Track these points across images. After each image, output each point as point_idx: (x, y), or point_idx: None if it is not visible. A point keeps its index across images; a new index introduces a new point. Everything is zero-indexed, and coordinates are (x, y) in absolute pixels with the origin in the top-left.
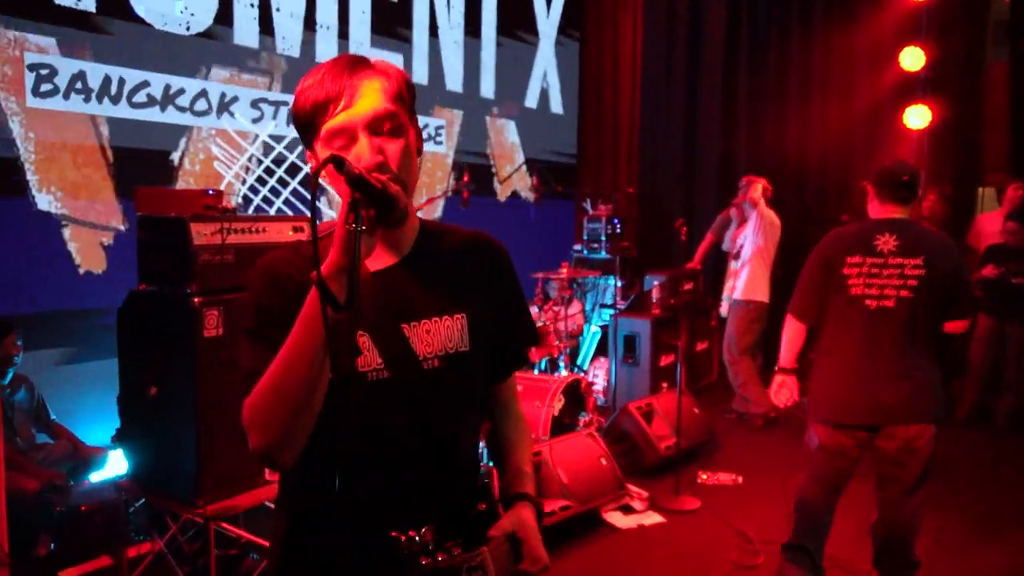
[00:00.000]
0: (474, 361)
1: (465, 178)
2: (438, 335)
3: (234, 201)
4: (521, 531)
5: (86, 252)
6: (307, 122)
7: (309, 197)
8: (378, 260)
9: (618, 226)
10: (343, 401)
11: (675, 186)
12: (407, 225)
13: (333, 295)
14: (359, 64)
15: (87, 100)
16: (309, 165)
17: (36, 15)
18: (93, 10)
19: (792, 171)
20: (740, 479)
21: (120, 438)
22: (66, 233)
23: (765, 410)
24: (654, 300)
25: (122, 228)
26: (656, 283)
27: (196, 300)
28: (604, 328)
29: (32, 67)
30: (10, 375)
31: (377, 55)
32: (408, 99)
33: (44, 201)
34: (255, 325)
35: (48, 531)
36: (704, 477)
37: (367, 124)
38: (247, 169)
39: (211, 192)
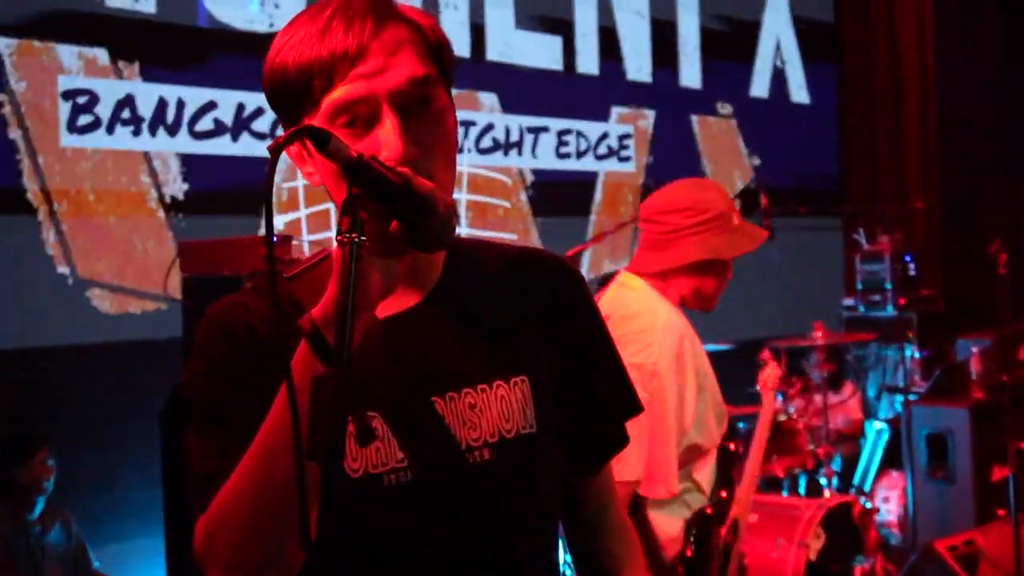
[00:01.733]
0: (543, 446)
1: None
2: (488, 412)
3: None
4: None
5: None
6: (294, 90)
7: (278, 199)
8: (389, 301)
9: (912, 266)
10: (332, 509)
11: (997, 198)
12: None
13: (329, 349)
14: (382, 4)
15: (136, 133)
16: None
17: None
18: (154, 12)
19: None
20: None
21: None
22: (105, 305)
23: None
24: (974, 377)
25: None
26: (975, 350)
27: None
28: (895, 424)
29: (68, 95)
30: (40, 506)
31: (527, 38)
32: (447, 61)
33: (73, 268)
34: (208, 405)
35: None
36: None
37: (398, 97)
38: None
39: (273, 240)
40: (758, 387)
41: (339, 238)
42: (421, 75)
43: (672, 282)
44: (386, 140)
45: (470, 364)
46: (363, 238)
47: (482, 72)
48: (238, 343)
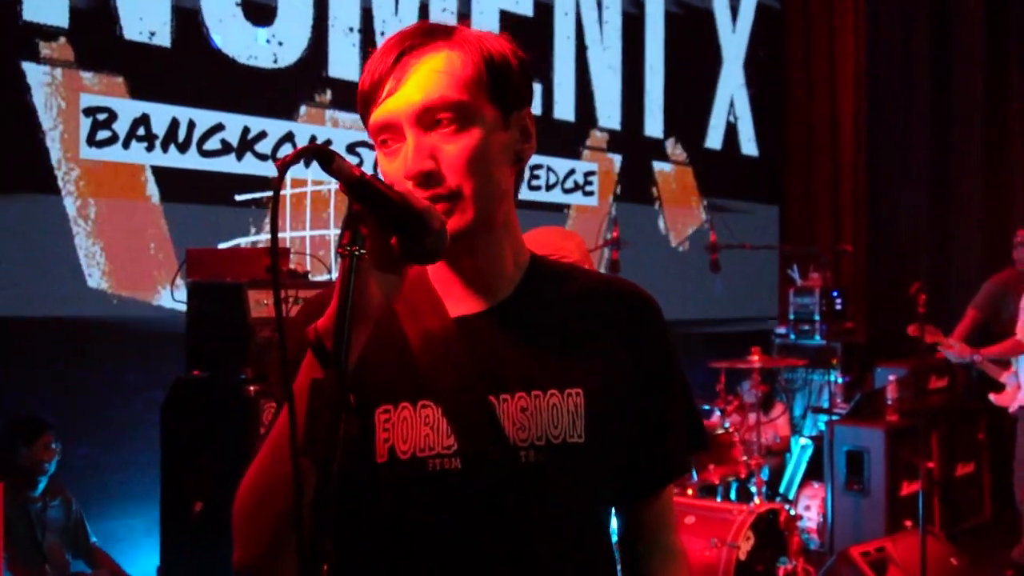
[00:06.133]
0: (591, 459)
1: (615, 234)
2: (538, 416)
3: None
4: None
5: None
6: (363, 118)
7: (280, 211)
8: (461, 303)
9: (838, 301)
10: (331, 500)
11: (919, 242)
12: (501, 256)
13: (328, 356)
14: (423, 35)
15: (150, 149)
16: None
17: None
18: (168, 45)
19: None
20: None
21: (164, 569)
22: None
23: None
24: (890, 402)
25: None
26: (893, 378)
27: (251, 388)
28: (818, 440)
29: (89, 111)
30: (42, 485)
31: None
32: (491, 82)
33: (95, 278)
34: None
35: None
36: None
37: (415, 117)
38: None
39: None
40: None
41: (339, 251)
42: (437, 99)
43: None
44: (404, 156)
45: (528, 370)
46: (363, 251)
47: None
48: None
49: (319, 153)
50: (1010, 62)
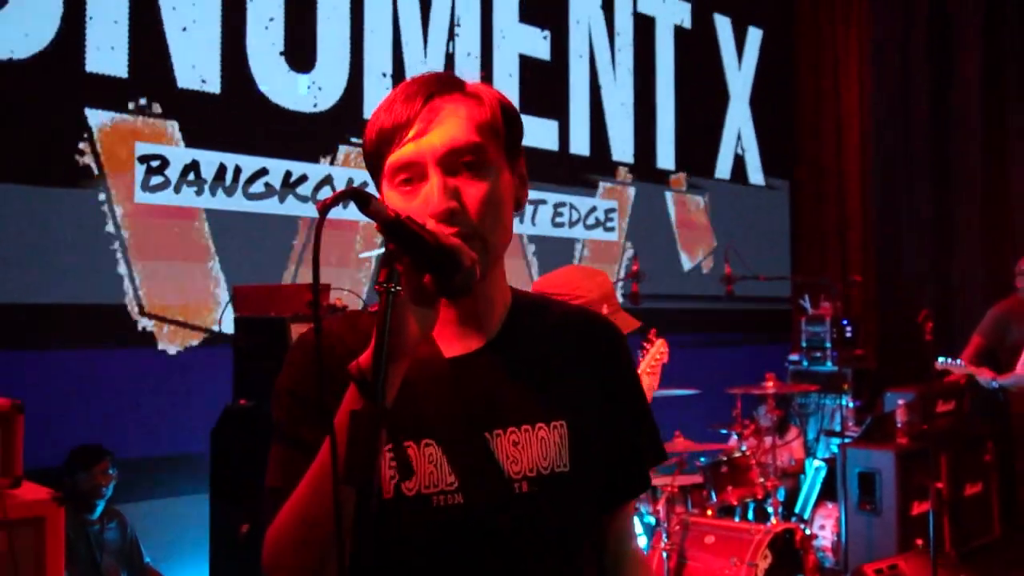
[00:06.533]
0: (577, 485)
1: (635, 267)
2: (529, 449)
3: (362, 302)
4: None
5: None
6: (373, 155)
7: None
8: (455, 343)
9: (848, 329)
10: (368, 529)
11: (924, 272)
12: (495, 297)
13: (382, 396)
14: (443, 84)
15: (199, 193)
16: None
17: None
18: (218, 92)
19: None
20: None
21: None
22: (164, 335)
23: None
24: (899, 425)
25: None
26: (901, 403)
27: None
28: (831, 462)
29: (143, 159)
30: (100, 508)
31: (528, 123)
32: (505, 132)
33: (148, 312)
34: (288, 423)
35: None
36: None
37: (440, 159)
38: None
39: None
40: (645, 358)
41: (377, 287)
42: (463, 142)
43: None
44: (428, 195)
45: (518, 406)
46: (398, 288)
47: None
48: (323, 368)
49: (357, 195)
50: (1007, 87)
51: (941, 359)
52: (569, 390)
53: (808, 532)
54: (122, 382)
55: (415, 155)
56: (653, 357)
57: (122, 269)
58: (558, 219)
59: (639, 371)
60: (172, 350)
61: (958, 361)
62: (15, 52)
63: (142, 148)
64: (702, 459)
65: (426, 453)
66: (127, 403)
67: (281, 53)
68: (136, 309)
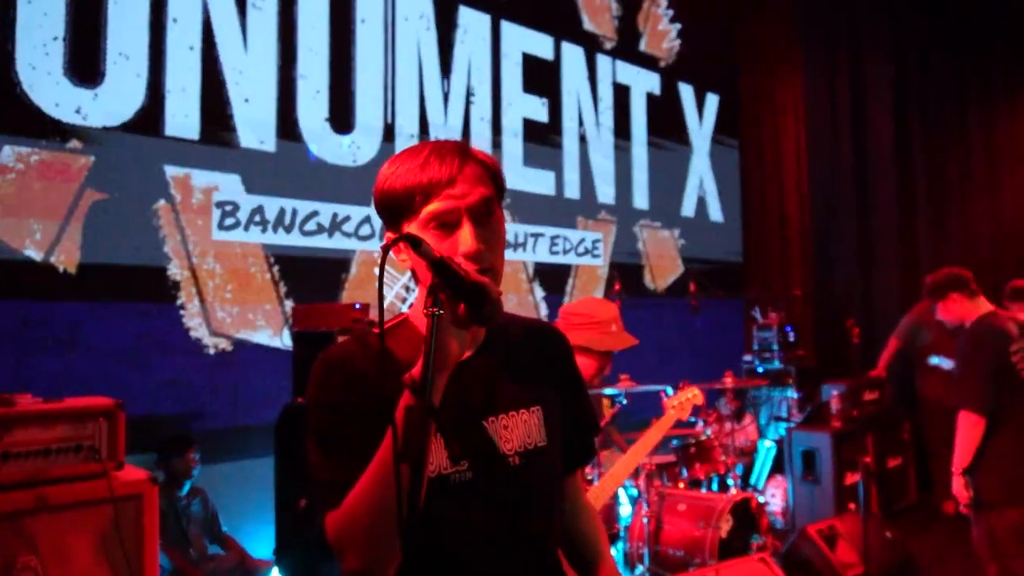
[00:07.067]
0: (552, 456)
1: (616, 286)
2: (517, 430)
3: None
4: None
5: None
6: (401, 203)
7: (384, 283)
8: None
9: (791, 334)
10: (416, 499)
11: (851, 287)
12: None
13: (431, 400)
14: (464, 151)
15: (264, 231)
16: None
17: (225, 157)
18: (274, 151)
19: (985, 263)
20: None
21: (278, 552)
22: (236, 350)
23: None
24: (834, 412)
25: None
26: (835, 393)
27: None
28: (780, 443)
29: (219, 204)
30: (187, 487)
31: (530, 173)
32: (502, 187)
33: (223, 326)
34: (330, 427)
35: None
36: None
37: (472, 210)
38: (407, 288)
39: (358, 306)
40: (666, 403)
41: (424, 312)
42: (489, 195)
43: None
44: (464, 240)
45: (505, 397)
46: (442, 312)
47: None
48: (350, 381)
49: (410, 239)
50: (912, 136)
51: (934, 359)
52: (537, 382)
53: (762, 500)
54: (204, 384)
55: (454, 207)
56: (686, 397)
57: (198, 287)
58: (554, 248)
59: (669, 404)
60: (241, 356)
61: (945, 361)
62: (109, 120)
63: (217, 196)
64: (674, 441)
65: (439, 441)
66: (210, 398)
67: (326, 119)
68: (207, 330)
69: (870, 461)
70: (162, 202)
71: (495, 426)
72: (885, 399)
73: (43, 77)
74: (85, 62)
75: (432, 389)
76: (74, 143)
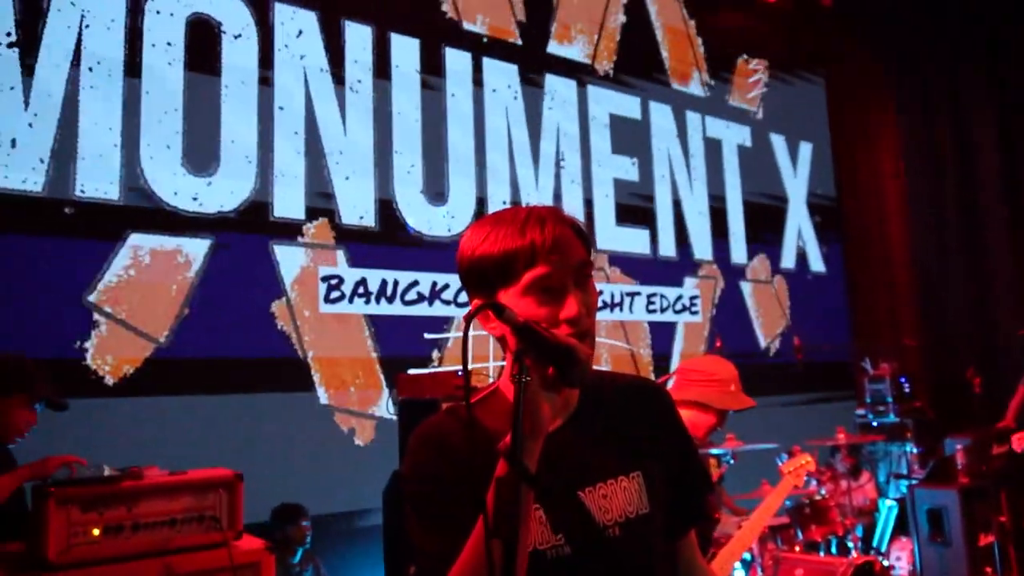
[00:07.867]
0: (655, 523)
1: (718, 343)
2: (616, 499)
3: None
4: None
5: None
6: (499, 268)
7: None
8: None
9: (906, 385)
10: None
11: (966, 333)
12: None
13: (526, 467)
14: (560, 216)
15: (367, 302)
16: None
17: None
18: (374, 226)
19: None
20: None
21: None
22: (339, 420)
23: None
24: (960, 467)
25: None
26: (960, 447)
27: None
28: (902, 501)
29: (324, 279)
30: (299, 555)
31: (624, 232)
32: (590, 250)
33: (323, 394)
34: (426, 500)
35: None
36: None
37: (575, 275)
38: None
39: (461, 373)
40: (782, 468)
41: (510, 379)
42: (586, 259)
43: (680, 408)
44: (569, 305)
45: (602, 464)
46: (528, 378)
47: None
48: (446, 454)
49: (494, 307)
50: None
51: None
52: (638, 445)
53: (886, 563)
54: (314, 451)
55: (560, 272)
56: (799, 463)
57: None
58: (651, 307)
59: (785, 469)
60: (344, 428)
61: None
62: (224, 205)
63: (324, 271)
64: (788, 503)
65: (536, 516)
66: (319, 467)
67: (421, 191)
68: (325, 398)
69: (1005, 520)
70: (282, 300)
71: (593, 496)
72: (1015, 452)
73: (161, 168)
74: (202, 152)
75: (525, 457)
76: (190, 231)
